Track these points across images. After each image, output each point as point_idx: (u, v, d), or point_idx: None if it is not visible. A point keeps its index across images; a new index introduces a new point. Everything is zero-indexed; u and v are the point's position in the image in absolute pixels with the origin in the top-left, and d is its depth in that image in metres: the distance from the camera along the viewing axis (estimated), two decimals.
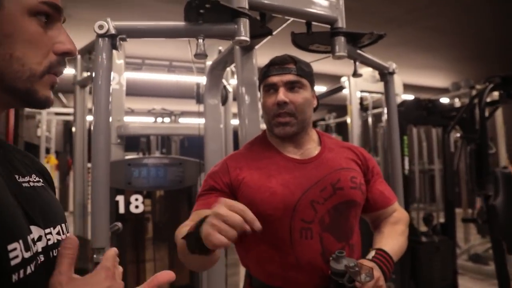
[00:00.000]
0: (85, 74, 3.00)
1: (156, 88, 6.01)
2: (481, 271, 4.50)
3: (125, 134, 2.49)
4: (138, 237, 2.36)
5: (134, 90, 5.82)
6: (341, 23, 1.39)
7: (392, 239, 1.19)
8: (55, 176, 7.76)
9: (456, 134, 3.84)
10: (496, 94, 3.05)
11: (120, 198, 2.25)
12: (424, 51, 6.46)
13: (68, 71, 3.29)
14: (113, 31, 1.20)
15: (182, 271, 2.32)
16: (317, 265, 1.06)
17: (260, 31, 1.40)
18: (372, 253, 1.13)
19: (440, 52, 6.43)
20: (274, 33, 1.58)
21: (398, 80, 4.20)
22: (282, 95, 1.12)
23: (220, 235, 0.76)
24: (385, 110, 2.34)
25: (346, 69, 3.28)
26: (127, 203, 2.25)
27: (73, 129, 2.73)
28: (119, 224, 1.42)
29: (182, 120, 6.49)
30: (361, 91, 3.92)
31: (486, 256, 4.62)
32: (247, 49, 1.73)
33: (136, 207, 2.27)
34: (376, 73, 1.85)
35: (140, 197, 2.28)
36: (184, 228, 1.00)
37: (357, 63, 1.52)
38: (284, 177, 1.11)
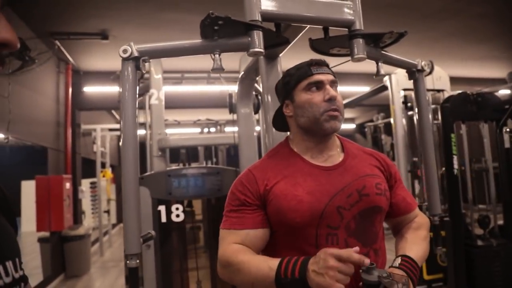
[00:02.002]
0: None
1: (198, 99, 6.22)
2: None
3: (166, 146, 2.61)
4: (180, 246, 2.46)
5: (178, 103, 6.07)
6: (359, 25, 1.36)
7: (416, 245, 1.18)
8: (111, 189, 8.24)
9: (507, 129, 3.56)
10: None
11: (162, 208, 2.35)
12: (475, 41, 6.09)
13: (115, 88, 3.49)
14: (136, 54, 1.27)
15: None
16: None
17: (276, 41, 1.42)
18: (398, 260, 1.11)
19: (491, 41, 6.02)
20: (293, 41, 1.60)
21: (444, 75, 4.00)
22: (333, 91, 1.15)
23: (339, 284, 0.90)
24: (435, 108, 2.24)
25: (390, 68, 3.19)
26: (169, 212, 2.35)
27: (120, 143, 2.92)
28: (152, 232, 1.49)
29: (228, 129, 6.64)
30: (404, 90, 3.78)
31: None
32: (271, 57, 1.75)
33: (177, 216, 2.36)
34: None
35: (180, 207, 2.37)
36: (245, 257, 1.06)
37: (381, 63, 1.48)
38: (310, 184, 1.12)
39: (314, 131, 1.18)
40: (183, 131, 7.77)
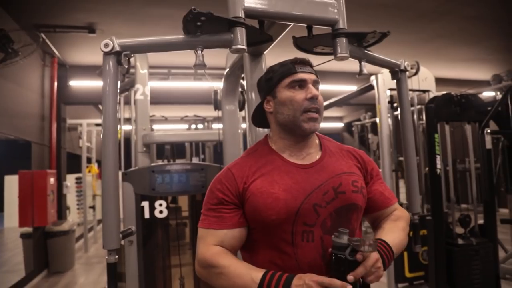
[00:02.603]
0: None
1: (186, 95, 6.18)
2: None
3: (151, 142, 2.59)
4: (164, 242, 2.44)
5: (165, 99, 6.03)
6: (343, 24, 1.37)
7: (393, 233, 1.20)
8: (97, 184, 8.16)
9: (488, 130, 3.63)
10: None
11: (145, 204, 2.34)
12: (462, 43, 6.17)
13: (98, 83, 3.46)
14: (117, 48, 1.26)
15: None
16: (316, 267, 1.07)
17: (260, 38, 1.42)
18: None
19: (479, 43, 6.11)
20: (277, 39, 1.60)
21: (430, 76, 4.05)
22: (315, 90, 1.16)
23: None
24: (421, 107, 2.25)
25: (377, 67, 3.22)
26: (152, 209, 2.34)
27: (101, 136, 2.89)
28: (133, 228, 1.48)
29: (216, 126, 6.63)
30: (390, 89, 3.81)
31: None
32: (256, 55, 1.75)
33: (160, 212, 2.35)
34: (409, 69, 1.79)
35: (164, 203, 2.36)
36: (227, 261, 1.08)
37: (364, 63, 1.49)
38: (287, 182, 1.13)
39: (293, 129, 1.19)
40: (171, 127, 7.72)
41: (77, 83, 6.59)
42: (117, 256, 1.27)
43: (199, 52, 1.26)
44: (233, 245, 1.13)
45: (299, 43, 1.47)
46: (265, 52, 1.76)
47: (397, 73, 1.68)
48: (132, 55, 1.40)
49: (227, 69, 2.15)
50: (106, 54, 1.26)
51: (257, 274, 1.02)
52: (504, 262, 4.50)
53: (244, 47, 1.24)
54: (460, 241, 3.16)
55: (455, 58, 6.92)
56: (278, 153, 1.21)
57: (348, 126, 11.82)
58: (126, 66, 1.31)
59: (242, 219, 1.14)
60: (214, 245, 1.12)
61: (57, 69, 6.09)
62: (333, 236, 1.04)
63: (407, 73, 1.78)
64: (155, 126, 6.34)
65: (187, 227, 2.76)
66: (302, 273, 1.08)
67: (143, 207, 2.34)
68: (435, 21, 5.21)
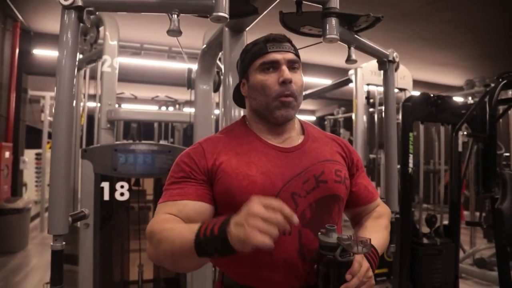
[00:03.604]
0: (80, 56, 2.92)
1: (159, 75, 5.91)
2: (486, 277, 4.35)
3: (116, 118, 2.40)
4: (124, 226, 2.28)
5: (136, 77, 5.74)
6: (334, 3, 1.26)
7: (377, 233, 1.10)
8: None
9: (463, 132, 3.68)
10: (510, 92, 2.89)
11: (106, 185, 2.17)
12: (440, 47, 6.25)
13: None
14: (79, 3, 1.10)
15: None
16: (293, 264, 0.96)
17: (244, 10, 1.29)
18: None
19: (455, 48, 6.21)
20: (263, 13, 1.46)
21: (408, 75, 4.04)
22: (288, 72, 1.01)
23: (263, 236, 0.71)
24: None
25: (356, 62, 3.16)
26: (113, 190, 2.17)
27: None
28: (86, 211, 1.32)
29: (187, 109, 6.42)
30: (368, 84, 3.77)
31: (492, 261, 4.46)
32: (237, 30, 1.61)
33: (122, 194, 2.18)
34: None
35: (126, 185, 2.19)
36: (169, 225, 0.90)
37: (353, 48, 1.39)
38: (265, 165, 1.00)
39: (266, 116, 1.06)
40: (140, 107, 7.42)
41: (41, 52, 6.16)
42: (64, 243, 1.12)
43: (175, 16, 1.12)
44: (191, 218, 0.95)
45: (285, 20, 1.35)
46: (247, 29, 1.63)
47: (385, 63, 1.59)
48: (101, 25, 1.23)
49: (204, 46, 2.00)
50: (65, 8, 1.11)
51: (196, 225, 0.84)
52: (461, 262, 4.63)
53: (226, 15, 1.10)
54: (425, 241, 3.18)
55: (431, 61, 7.02)
56: (256, 133, 1.08)
57: (320, 120, 11.87)
58: (89, 25, 1.14)
59: (209, 195, 1.00)
60: (166, 213, 0.96)
61: (19, 34, 5.66)
62: (319, 233, 0.93)
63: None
64: (123, 105, 6.07)
65: (150, 211, 2.61)
66: (277, 269, 0.97)
67: (102, 188, 2.16)
68: (416, 22, 5.22)
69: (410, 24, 5.25)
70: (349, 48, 1.38)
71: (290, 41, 1.07)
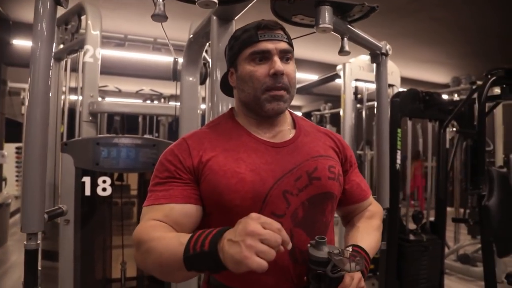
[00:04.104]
0: (61, 46, 2.80)
1: (143, 68, 5.78)
2: (469, 272, 4.41)
3: (98, 111, 2.31)
4: (106, 222, 2.20)
5: (120, 70, 5.60)
6: None
7: (369, 235, 1.06)
8: None
9: (452, 129, 3.69)
10: (497, 89, 2.90)
11: (87, 180, 2.08)
12: (426, 44, 6.27)
13: None
14: None
15: None
16: (283, 265, 0.91)
17: None
18: (348, 250, 0.98)
19: (442, 46, 6.25)
20: (253, 1, 1.40)
21: (396, 71, 4.02)
22: (280, 64, 0.94)
23: (259, 259, 0.66)
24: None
25: (344, 58, 3.11)
26: (94, 185, 2.09)
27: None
28: (64, 207, 1.25)
29: (173, 103, 6.30)
30: (356, 80, 3.74)
31: (475, 257, 4.52)
32: (225, 19, 1.55)
33: (104, 189, 2.10)
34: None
35: (108, 179, 2.11)
36: (157, 234, 0.84)
37: (346, 39, 1.34)
38: (255, 161, 0.94)
39: (255, 109, 1.00)
40: (124, 101, 7.27)
41: (21, 43, 5.94)
42: (39, 242, 1.04)
43: (160, 0, 1.04)
44: (179, 222, 0.90)
45: (277, 9, 1.29)
46: (236, 18, 1.56)
47: (377, 56, 1.55)
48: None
49: (191, 36, 1.92)
50: None
51: (187, 237, 0.78)
52: (445, 258, 4.68)
53: (215, 0, 1.03)
54: (411, 237, 3.18)
55: (417, 58, 7.06)
56: (245, 128, 1.02)
57: (307, 116, 11.86)
58: (66, 8, 1.06)
59: (195, 195, 0.93)
60: (152, 219, 0.90)
61: None
62: (309, 245, 0.87)
63: (374, 64, 1.66)
64: (107, 99, 5.93)
65: (134, 206, 2.54)
66: (267, 272, 0.91)
67: (84, 182, 2.08)
68: (404, 18, 5.22)
69: (397, 20, 5.24)
70: (342, 39, 1.33)
71: (283, 29, 1.01)
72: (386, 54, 1.56)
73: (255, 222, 0.69)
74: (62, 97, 2.86)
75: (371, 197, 1.17)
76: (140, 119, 5.52)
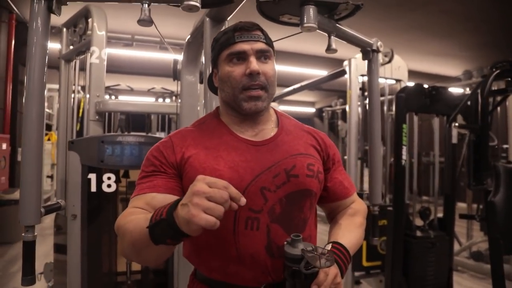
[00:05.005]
0: (71, 48, 2.90)
1: (153, 66, 5.87)
2: (482, 270, 4.34)
3: (104, 110, 2.39)
4: (111, 218, 2.28)
5: (131, 69, 5.69)
6: None
7: (350, 232, 1.09)
8: (56, 153, 7.79)
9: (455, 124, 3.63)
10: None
11: (92, 176, 2.16)
12: (437, 37, 6.16)
13: (54, 45, 3.19)
14: None
15: None
16: (260, 259, 0.95)
17: None
18: (328, 247, 1.02)
19: (453, 38, 6.13)
20: (241, 3, 1.43)
21: (403, 65, 3.99)
22: (256, 64, 0.98)
23: (207, 215, 0.69)
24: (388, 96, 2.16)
25: (350, 52, 3.07)
26: (100, 182, 2.16)
27: (57, 104, 2.65)
28: (62, 202, 1.32)
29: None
30: (363, 75, 3.72)
31: (488, 254, 4.44)
32: (217, 20, 1.59)
33: (109, 186, 2.18)
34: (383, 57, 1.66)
35: (113, 176, 2.18)
36: (132, 217, 0.89)
37: (333, 37, 1.36)
38: (234, 159, 0.99)
39: (235, 109, 1.04)
40: (137, 99, 7.40)
41: None
42: (35, 234, 1.11)
43: (145, 6, 1.09)
44: None
45: (263, 9, 1.32)
46: (228, 19, 1.60)
47: (368, 52, 1.56)
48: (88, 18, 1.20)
49: (189, 36, 1.97)
50: None
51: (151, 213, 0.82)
52: (457, 255, 4.62)
53: (198, 4, 1.08)
54: (418, 233, 3.16)
55: (428, 51, 6.94)
56: (227, 127, 1.06)
57: (319, 112, 11.82)
58: (59, 15, 1.12)
59: (178, 188, 0.98)
60: (133, 207, 0.94)
61: (15, 26, 5.64)
62: (285, 243, 0.92)
63: (380, 59, 1.67)
64: (120, 97, 6.05)
65: None
66: (243, 264, 0.96)
67: (90, 179, 2.16)
68: (413, 11, 5.15)
69: (406, 13, 5.18)
70: (329, 37, 1.35)
71: (260, 29, 1.04)
72: (377, 51, 1.57)
73: (200, 182, 0.73)
74: (72, 95, 2.96)
75: (355, 195, 1.20)
76: (153, 117, 5.63)
